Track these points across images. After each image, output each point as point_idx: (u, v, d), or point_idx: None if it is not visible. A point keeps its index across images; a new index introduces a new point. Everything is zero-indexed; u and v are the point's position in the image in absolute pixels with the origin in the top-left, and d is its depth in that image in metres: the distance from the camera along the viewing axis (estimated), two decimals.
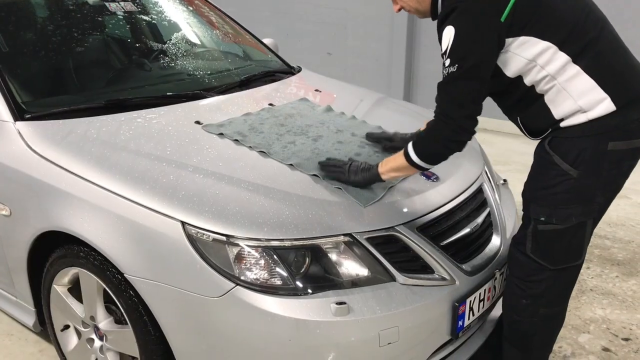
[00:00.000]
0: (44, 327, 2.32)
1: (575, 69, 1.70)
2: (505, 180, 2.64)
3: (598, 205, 1.84)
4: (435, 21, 1.82)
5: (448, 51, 1.70)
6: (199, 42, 3.19)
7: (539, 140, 1.88)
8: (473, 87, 1.71)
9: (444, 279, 1.87)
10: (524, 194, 1.92)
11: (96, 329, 2.07)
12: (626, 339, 2.58)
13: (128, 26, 3.10)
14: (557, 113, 1.76)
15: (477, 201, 2.17)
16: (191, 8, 3.36)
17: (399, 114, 2.82)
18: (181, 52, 2.93)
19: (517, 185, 3.09)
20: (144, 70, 2.83)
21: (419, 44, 5.93)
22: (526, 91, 1.78)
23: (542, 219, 1.83)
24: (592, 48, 1.72)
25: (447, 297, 1.86)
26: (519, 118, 1.89)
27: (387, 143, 2.19)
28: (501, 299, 2.13)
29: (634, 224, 3.68)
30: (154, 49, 3.00)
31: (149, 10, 3.17)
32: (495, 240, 2.15)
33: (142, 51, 3.02)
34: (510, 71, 1.75)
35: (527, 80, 1.76)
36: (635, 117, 1.74)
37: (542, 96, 1.77)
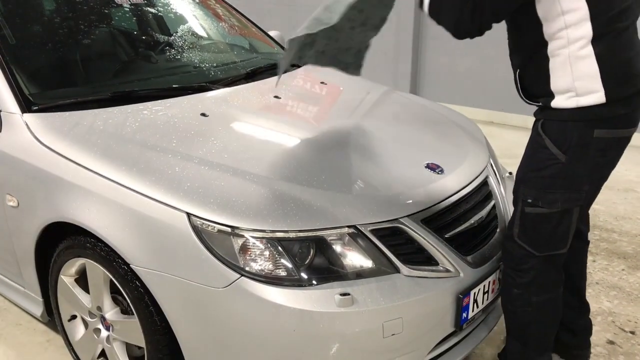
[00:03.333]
0: (52, 317, 2.34)
1: (589, 50, 1.72)
2: (511, 173, 2.63)
3: (585, 193, 1.87)
4: None
5: None
6: (205, 35, 3.20)
7: (531, 106, 1.90)
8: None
9: (448, 270, 1.87)
10: (516, 174, 1.96)
11: (103, 319, 2.09)
12: (631, 332, 2.58)
13: (134, 18, 3.11)
14: (553, 84, 1.78)
15: (482, 194, 2.17)
16: (197, 0, 3.36)
17: (405, 107, 2.82)
18: (187, 44, 2.93)
19: None
20: (150, 62, 2.84)
21: (426, 37, 5.90)
22: (539, 45, 1.78)
23: (529, 200, 1.88)
24: (614, 37, 1.73)
25: (451, 289, 1.86)
26: (518, 70, 1.90)
27: None
28: None
29: None
30: (160, 41, 3.01)
31: (155, 3, 3.18)
32: (500, 233, 2.15)
33: (148, 43, 3.02)
34: (542, 8, 1.74)
35: (546, 32, 1.75)
36: (622, 112, 1.78)
37: (548, 60, 1.77)
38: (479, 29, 1.78)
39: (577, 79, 1.74)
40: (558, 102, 1.78)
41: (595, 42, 1.71)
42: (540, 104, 1.84)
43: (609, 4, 1.72)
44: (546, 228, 1.89)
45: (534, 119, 1.93)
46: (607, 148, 1.82)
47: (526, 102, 1.91)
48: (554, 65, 1.77)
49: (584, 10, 1.70)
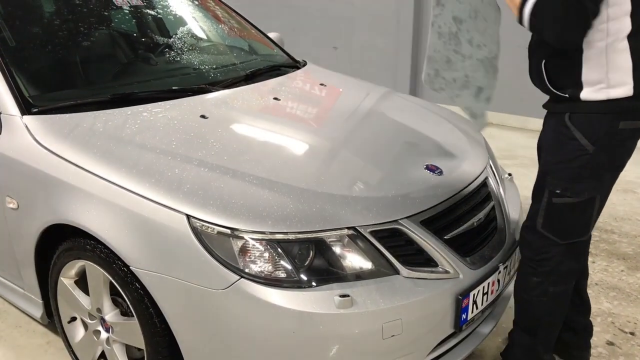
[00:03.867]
0: (52, 319, 2.34)
1: (625, 44, 1.76)
2: (510, 174, 2.63)
3: (607, 181, 1.92)
4: None
5: None
6: (204, 37, 3.20)
7: (552, 112, 1.91)
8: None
9: (447, 272, 1.87)
10: (540, 166, 1.98)
11: (102, 321, 2.09)
12: (631, 333, 2.58)
13: (134, 20, 3.11)
14: (585, 75, 1.80)
15: (481, 195, 2.17)
16: (197, 2, 3.36)
17: (404, 109, 2.82)
18: (187, 46, 2.94)
19: (522, 180, 3.08)
20: (149, 64, 2.85)
21: (425, 38, 5.89)
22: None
23: (558, 191, 1.90)
24: None
25: (451, 290, 1.86)
26: (544, 61, 1.89)
27: None
28: (504, 292, 2.13)
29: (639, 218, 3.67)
30: (159, 43, 3.01)
31: (154, 5, 3.18)
32: (500, 234, 2.15)
33: (148, 45, 3.03)
34: None
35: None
36: None
37: (582, 52, 1.79)
38: (583, 35, 1.76)
39: (611, 70, 1.77)
40: (587, 95, 1.81)
41: (631, 37, 1.76)
42: (567, 95, 1.85)
43: None
44: (571, 217, 1.93)
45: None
46: (627, 138, 1.87)
47: (552, 91, 1.89)
48: (588, 57, 1.79)
49: (627, 6, 1.73)
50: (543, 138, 2.01)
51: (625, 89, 1.79)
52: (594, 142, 1.83)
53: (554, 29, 1.76)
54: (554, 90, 1.89)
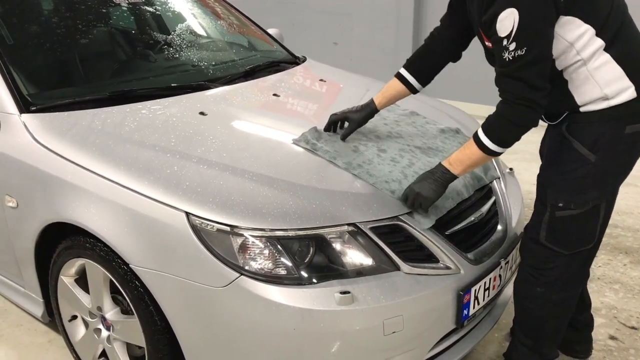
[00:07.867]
0: (52, 318, 2.34)
1: (606, 57, 1.72)
2: (511, 169, 2.62)
3: (611, 187, 1.87)
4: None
5: (513, 34, 1.63)
6: (203, 33, 3.19)
7: (552, 124, 1.88)
8: (545, 66, 1.69)
9: (448, 267, 1.86)
10: (539, 178, 1.93)
11: (103, 319, 2.09)
12: (633, 328, 2.57)
13: (133, 17, 3.10)
14: (580, 100, 1.77)
15: (482, 190, 2.16)
16: None
17: (403, 104, 2.80)
18: (186, 43, 2.92)
19: (523, 174, 3.07)
20: (148, 61, 2.83)
21: (425, 33, 5.84)
22: (553, 75, 1.76)
23: (560, 204, 1.85)
24: (621, 36, 1.74)
25: (452, 286, 1.85)
26: None
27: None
28: (505, 288, 2.12)
29: None
30: (158, 40, 3.00)
31: (153, 1, 3.17)
32: (501, 229, 2.14)
33: (146, 42, 3.02)
34: None
35: (559, 64, 1.75)
36: None
37: (566, 82, 1.77)
38: (544, 91, 1.71)
39: (605, 86, 1.73)
40: (587, 108, 1.78)
41: (608, 48, 1.72)
42: (567, 114, 1.82)
43: (605, 10, 1.72)
44: (576, 228, 1.88)
45: None
46: (636, 141, 1.81)
47: (551, 123, 1.88)
48: (575, 85, 1.76)
49: (590, 31, 1.70)
50: (544, 147, 1.97)
51: (627, 94, 1.74)
52: (595, 151, 1.77)
53: (526, 126, 1.72)
54: (553, 122, 1.86)
